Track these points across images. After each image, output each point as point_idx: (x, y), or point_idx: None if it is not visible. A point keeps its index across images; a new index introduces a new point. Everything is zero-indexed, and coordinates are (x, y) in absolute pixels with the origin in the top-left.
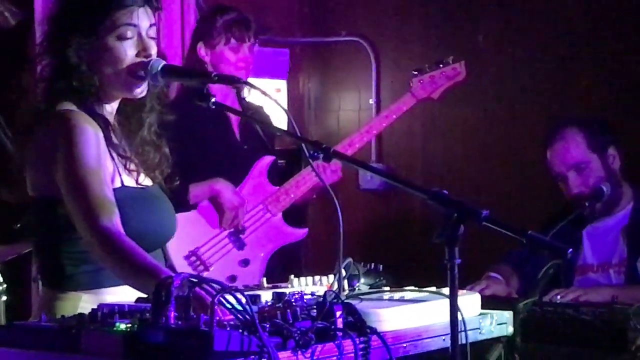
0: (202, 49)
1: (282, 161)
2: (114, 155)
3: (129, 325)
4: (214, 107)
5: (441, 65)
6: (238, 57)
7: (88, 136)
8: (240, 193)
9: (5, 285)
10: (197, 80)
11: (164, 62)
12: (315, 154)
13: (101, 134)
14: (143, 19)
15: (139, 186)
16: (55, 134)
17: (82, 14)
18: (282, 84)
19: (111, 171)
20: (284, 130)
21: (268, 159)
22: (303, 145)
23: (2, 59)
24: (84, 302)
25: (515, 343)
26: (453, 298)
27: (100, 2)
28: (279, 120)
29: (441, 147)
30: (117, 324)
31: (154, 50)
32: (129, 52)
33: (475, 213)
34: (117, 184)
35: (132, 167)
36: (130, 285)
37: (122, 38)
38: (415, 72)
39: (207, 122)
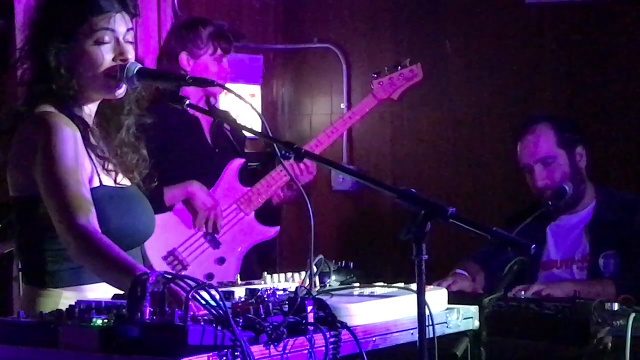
0: (184, 59)
1: (256, 163)
2: (92, 155)
3: (106, 320)
4: (187, 108)
5: (399, 67)
6: (220, 68)
7: (66, 137)
8: (213, 194)
9: None
10: (172, 82)
11: (139, 65)
12: (287, 153)
13: (79, 135)
14: (120, 24)
15: (118, 185)
16: (34, 134)
17: (60, 19)
18: (256, 89)
19: (89, 171)
20: (256, 131)
21: (238, 162)
22: (275, 145)
23: None
24: (65, 299)
25: (481, 337)
26: (420, 293)
27: (78, 7)
28: (253, 123)
29: (409, 149)
30: (94, 320)
31: (131, 54)
32: (106, 56)
33: (442, 210)
34: (96, 183)
35: (111, 167)
36: (106, 282)
37: (99, 42)
38: (375, 75)
39: (180, 128)
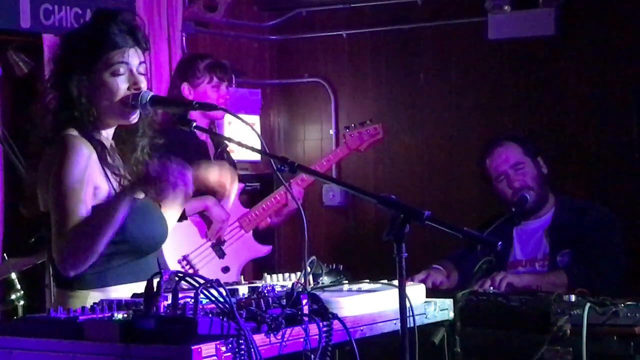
0: (185, 89)
1: (256, 184)
2: (109, 173)
3: (126, 315)
4: (194, 129)
5: (365, 125)
6: (218, 95)
7: (78, 157)
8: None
9: (22, 292)
10: (180, 108)
11: (152, 93)
12: (282, 167)
13: (95, 156)
14: (133, 57)
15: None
16: (54, 153)
17: (81, 54)
18: (256, 119)
19: (106, 188)
20: (256, 149)
21: (239, 187)
22: (272, 160)
23: (18, 99)
24: (92, 299)
25: (456, 327)
26: (401, 287)
27: (96, 44)
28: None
29: (389, 170)
30: (116, 315)
31: (143, 84)
32: (121, 86)
33: (419, 213)
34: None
35: (126, 183)
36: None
37: (115, 74)
38: (347, 128)
39: (191, 150)
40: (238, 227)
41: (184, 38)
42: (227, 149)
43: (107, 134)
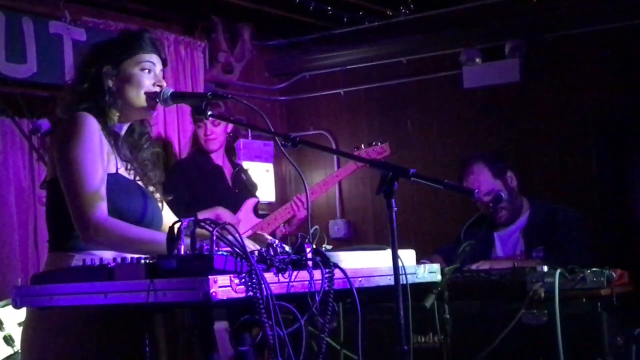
0: None
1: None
2: (119, 160)
3: (150, 261)
4: (210, 118)
5: (373, 144)
6: (205, 129)
7: (90, 132)
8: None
9: None
10: (197, 99)
11: (172, 90)
12: (286, 143)
13: (103, 134)
14: (157, 62)
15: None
16: (66, 128)
17: (113, 51)
18: (269, 167)
19: (113, 170)
20: (265, 130)
21: (254, 200)
22: (276, 137)
23: None
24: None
25: (444, 296)
26: (393, 237)
27: (129, 44)
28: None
29: (384, 203)
30: (141, 261)
31: (164, 83)
32: (147, 81)
33: (405, 171)
34: (113, 171)
35: (132, 171)
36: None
37: (143, 69)
38: (355, 148)
39: (209, 174)
40: (251, 234)
41: None
42: (242, 174)
43: (122, 129)
